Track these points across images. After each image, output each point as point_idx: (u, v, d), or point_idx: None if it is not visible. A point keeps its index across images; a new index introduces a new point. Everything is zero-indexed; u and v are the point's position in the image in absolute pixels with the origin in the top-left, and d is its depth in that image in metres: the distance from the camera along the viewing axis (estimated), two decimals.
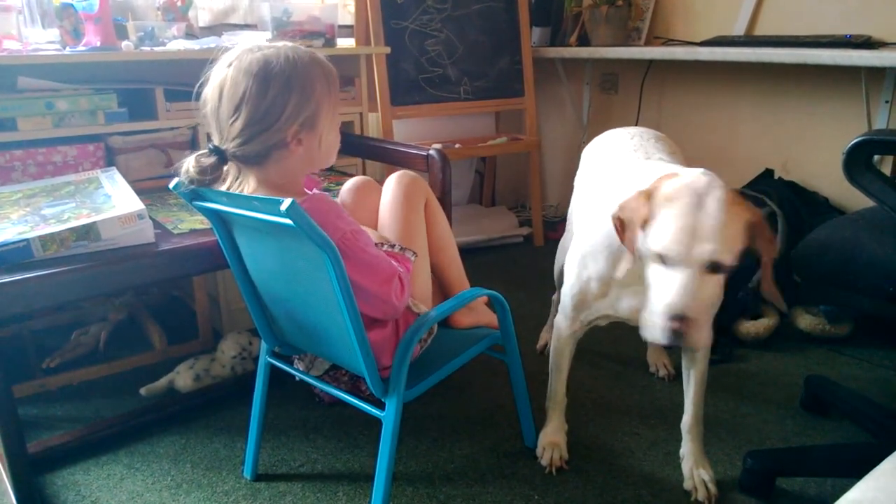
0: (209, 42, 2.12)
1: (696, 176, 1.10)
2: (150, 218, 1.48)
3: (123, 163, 1.96)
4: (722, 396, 1.79)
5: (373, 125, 2.62)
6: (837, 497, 0.56)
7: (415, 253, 1.44)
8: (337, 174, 2.27)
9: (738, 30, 2.53)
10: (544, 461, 1.52)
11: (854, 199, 2.22)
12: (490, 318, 1.54)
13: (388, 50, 2.54)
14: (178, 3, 2.25)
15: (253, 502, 1.43)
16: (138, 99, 2.03)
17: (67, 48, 1.91)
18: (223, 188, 1.22)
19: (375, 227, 1.55)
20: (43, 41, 2.00)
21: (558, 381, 1.55)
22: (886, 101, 2.12)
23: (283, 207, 0.98)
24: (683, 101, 2.81)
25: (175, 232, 1.56)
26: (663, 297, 1.08)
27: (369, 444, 1.61)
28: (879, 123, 2.16)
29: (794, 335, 2.11)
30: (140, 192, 1.57)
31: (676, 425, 1.65)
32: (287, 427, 1.69)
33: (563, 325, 1.48)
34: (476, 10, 2.79)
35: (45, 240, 1.32)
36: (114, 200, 1.50)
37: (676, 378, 1.86)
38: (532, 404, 1.57)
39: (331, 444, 1.62)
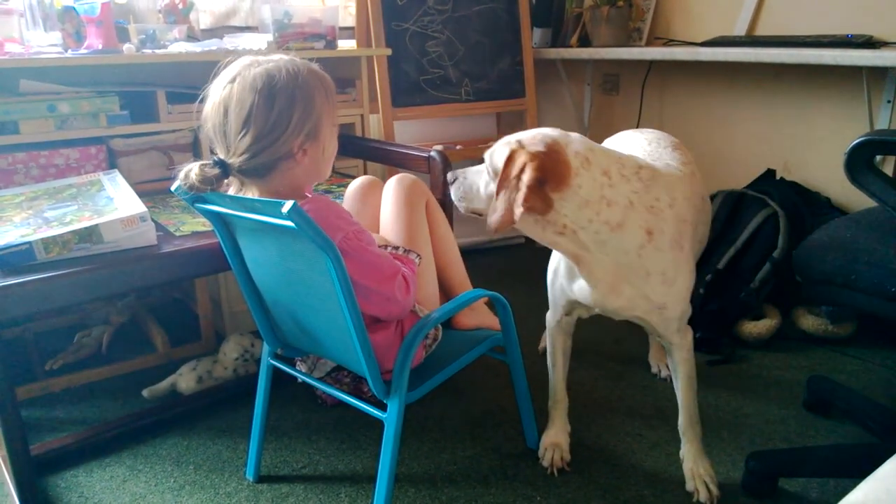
0: (210, 45, 2.12)
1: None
2: (153, 220, 1.48)
3: (125, 165, 1.96)
4: (724, 397, 1.79)
5: (374, 127, 2.62)
6: (840, 498, 0.56)
7: (419, 255, 1.44)
8: (338, 176, 2.28)
9: (739, 30, 2.53)
10: (545, 462, 1.53)
11: (856, 199, 2.22)
12: (492, 319, 1.54)
13: (388, 51, 2.55)
14: (180, 6, 2.25)
15: None
16: (140, 101, 2.03)
17: (69, 51, 1.91)
18: None
19: (379, 225, 1.55)
20: (45, 44, 2.01)
21: (555, 378, 1.57)
22: (888, 101, 2.12)
23: (285, 210, 0.99)
24: (685, 102, 2.81)
25: (177, 234, 1.56)
26: None
27: (371, 446, 1.61)
28: (881, 123, 2.16)
29: (797, 336, 2.11)
30: (142, 195, 1.57)
31: (678, 426, 1.65)
32: (289, 429, 1.69)
33: (549, 317, 1.54)
34: (477, 12, 2.79)
35: (48, 242, 1.32)
36: (116, 203, 1.51)
37: None
38: (534, 405, 1.57)
39: (333, 446, 1.62)
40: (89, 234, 1.36)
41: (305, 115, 1.17)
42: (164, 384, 1.81)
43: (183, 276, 1.62)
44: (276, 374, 1.47)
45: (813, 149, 2.41)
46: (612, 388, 1.84)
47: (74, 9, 1.91)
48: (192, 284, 2.09)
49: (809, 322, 2.08)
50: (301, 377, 1.44)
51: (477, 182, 1.31)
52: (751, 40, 2.36)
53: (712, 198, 2.28)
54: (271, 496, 1.45)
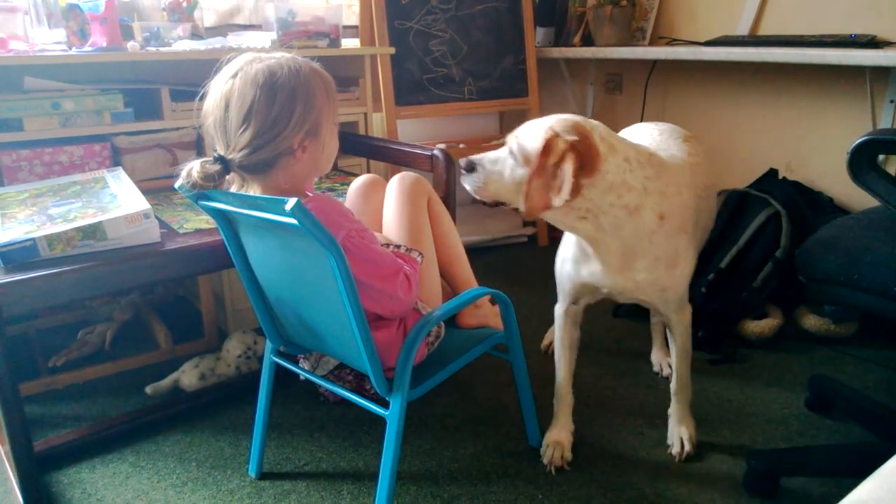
0: (214, 42, 2.13)
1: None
2: (156, 217, 1.49)
3: (129, 162, 1.97)
4: (726, 396, 1.79)
5: (377, 125, 2.63)
6: (842, 497, 0.56)
7: (421, 254, 1.44)
8: (342, 174, 2.28)
9: (742, 29, 2.53)
10: (545, 459, 1.53)
11: (858, 198, 2.21)
12: (495, 318, 1.55)
13: (392, 50, 2.55)
14: (184, 4, 2.26)
15: (257, 501, 1.43)
16: (144, 99, 2.04)
17: (73, 48, 1.92)
18: None
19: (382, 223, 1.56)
20: (49, 42, 2.01)
21: (561, 374, 1.58)
22: (891, 101, 2.12)
23: (288, 207, 0.99)
24: (688, 101, 2.81)
25: (180, 231, 1.57)
26: None
27: (374, 443, 1.61)
28: (884, 123, 2.15)
29: (799, 335, 2.11)
30: (146, 192, 1.58)
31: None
32: (292, 426, 1.69)
33: (557, 309, 1.56)
34: (480, 11, 2.79)
35: (52, 239, 1.33)
36: (120, 200, 1.51)
37: None
38: (536, 403, 1.57)
39: (335, 443, 1.62)
40: (93, 231, 1.37)
41: (306, 111, 1.17)
42: (166, 381, 1.81)
43: (186, 273, 1.62)
44: (278, 371, 1.47)
45: (816, 148, 2.40)
46: (614, 387, 1.84)
47: (79, 6, 1.91)
48: (196, 281, 2.09)
49: (812, 321, 2.08)
50: (304, 374, 1.45)
51: (500, 170, 1.29)
52: (754, 40, 2.36)
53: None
54: (273, 493, 1.45)
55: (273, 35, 2.19)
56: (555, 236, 3.10)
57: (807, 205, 2.22)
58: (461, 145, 2.77)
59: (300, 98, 1.17)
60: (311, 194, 1.27)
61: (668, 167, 1.33)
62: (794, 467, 1.46)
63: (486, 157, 1.32)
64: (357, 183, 1.65)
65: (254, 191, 1.23)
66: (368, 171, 2.44)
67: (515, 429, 1.65)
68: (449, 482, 1.48)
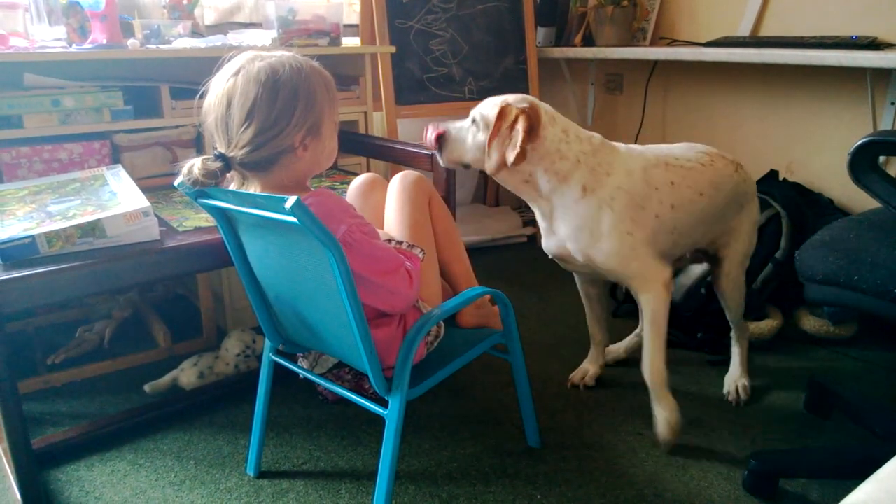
0: (215, 40, 2.13)
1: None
2: (155, 215, 1.48)
3: (129, 160, 1.97)
4: (726, 397, 1.79)
5: (377, 124, 2.62)
6: (841, 499, 0.56)
7: (423, 250, 1.44)
8: (342, 173, 2.28)
9: (744, 30, 2.52)
10: (571, 377, 1.84)
11: (859, 200, 2.21)
12: (495, 318, 1.54)
13: (393, 49, 2.55)
14: (184, 2, 2.25)
15: (256, 499, 1.43)
16: (144, 97, 2.03)
17: (74, 46, 1.92)
18: None
19: (382, 224, 1.56)
20: (49, 38, 2.01)
21: (588, 320, 1.84)
22: (892, 103, 2.12)
23: (288, 205, 0.99)
24: (688, 102, 2.80)
25: (180, 229, 1.56)
26: None
27: (372, 443, 1.61)
28: (885, 124, 2.15)
29: (799, 337, 2.11)
30: (145, 190, 1.57)
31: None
32: (290, 425, 1.69)
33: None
34: (481, 10, 2.79)
35: (51, 236, 1.32)
36: (119, 197, 1.51)
37: (682, 378, 1.86)
38: (535, 404, 1.57)
39: (334, 442, 1.62)
40: (92, 228, 1.36)
41: (308, 109, 1.18)
42: (165, 379, 1.81)
43: (185, 271, 1.62)
44: (277, 370, 1.47)
45: (816, 150, 2.40)
46: (613, 387, 1.84)
47: (79, 3, 1.91)
48: (195, 280, 2.09)
49: (811, 323, 2.08)
50: (302, 373, 1.44)
51: (463, 136, 1.52)
52: (755, 41, 2.36)
53: None
54: (272, 492, 1.45)
55: (273, 33, 2.19)
56: None
57: (807, 206, 2.21)
58: None
59: (302, 96, 1.17)
60: (311, 189, 1.27)
61: (611, 150, 1.51)
62: (794, 469, 1.46)
63: (451, 126, 1.54)
64: (357, 182, 1.65)
65: (254, 188, 1.23)
66: (368, 171, 2.43)
67: (514, 429, 1.65)
68: (447, 482, 1.48)
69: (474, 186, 3.31)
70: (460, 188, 3.13)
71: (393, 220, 1.51)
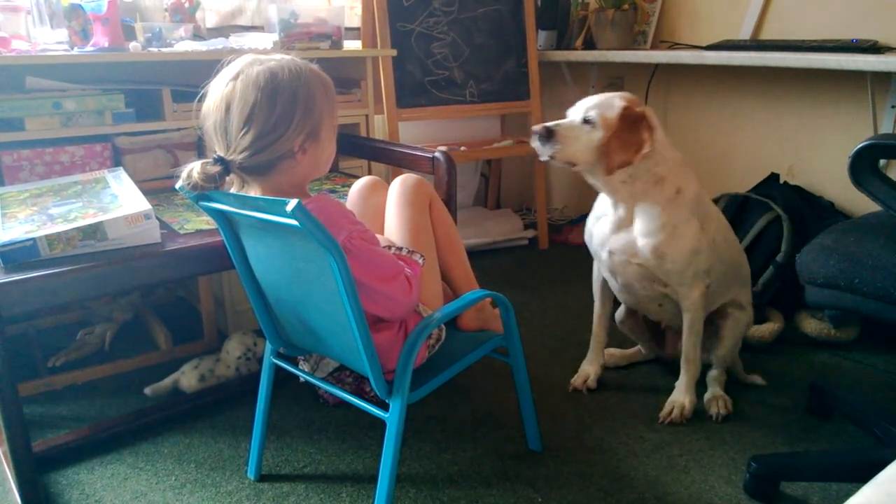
0: (216, 43, 2.13)
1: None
2: (157, 218, 1.48)
3: (130, 163, 1.97)
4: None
5: (379, 127, 2.63)
6: (842, 502, 0.56)
7: (423, 256, 1.44)
8: (343, 176, 2.28)
9: (744, 34, 2.53)
10: (571, 381, 1.84)
11: (860, 203, 2.21)
12: (496, 321, 1.54)
13: (394, 52, 2.55)
14: (186, 5, 2.26)
15: (256, 502, 1.43)
16: (145, 99, 2.04)
17: (75, 48, 1.92)
18: None
19: (383, 226, 1.56)
20: (51, 41, 2.01)
21: (595, 313, 1.85)
22: (893, 106, 2.12)
23: (289, 208, 0.99)
24: (689, 105, 2.81)
25: (181, 232, 1.57)
26: None
27: (373, 446, 1.61)
28: (885, 128, 2.16)
29: (799, 339, 2.11)
30: (146, 193, 1.58)
31: (681, 429, 1.66)
32: (291, 428, 1.69)
33: (594, 265, 1.81)
34: (482, 14, 2.79)
35: (52, 239, 1.33)
36: (120, 200, 1.51)
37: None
38: (535, 407, 1.57)
39: (335, 446, 1.62)
40: (94, 231, 1.37)
41: (307, 114, 1.17)
42: (166, 382, 1.81)
43: (186, 273, 1.62)
44: (278, 372, 1.47)
45: (817, 153, 2.41)
46: (615, 391, 1.84)
47: (81, 6, 1.91)
48: (196, 282, 2.09)
49: (812, 326, 2.08)
50: (303, 376, 1.44)
51: (576, 135, 1.55)
52: (756, 44, 2.36)
53: (716, 201, 2.28)
54: (272, 495, 1.45)
55: (275, 36, 2.19)
56: (555, 239, 3.10)
57: (808, 209, 2.21)
58: (462, 148, 2.77)
59: (301, 101, 1.17)
60: (310, 195, 1.27)
61: (688, 167, 1.61)
62: (795, 472, 1.46)
63: (562, 124, 1.57)
64: (358, 185, 1.65)
65: (253, 192, 1.23)
66: (369, 173, 2.44)
67: (515, 432, 1.65)
68: (448, 485, 1.48)
69: (475, 189, 3.31)
70: (461, 191, 3.13)
71: (393, 224, 1.51)
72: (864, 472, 0.65)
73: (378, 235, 1.45)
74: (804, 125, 2.43)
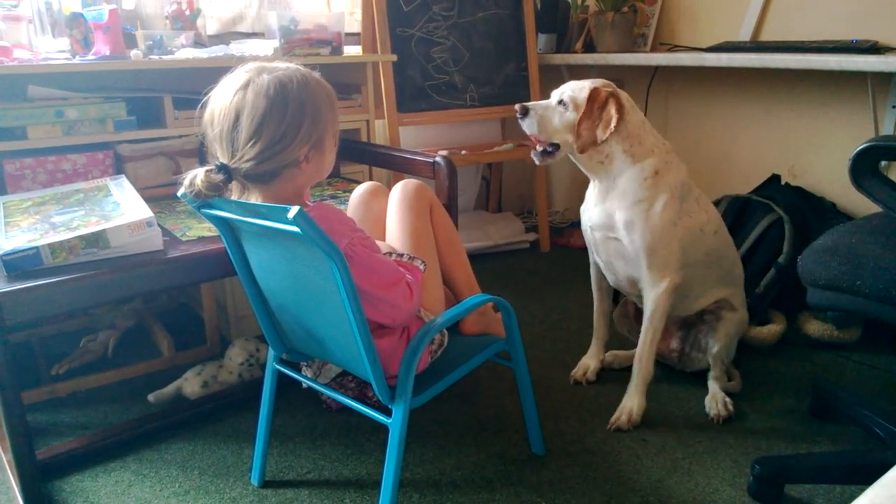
0: (217, 51, 2.14)
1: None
2: (159, 225, 1.49)
3: (132, 170, 1.97)
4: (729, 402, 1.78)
5: (379, 132, 2.63)
6: (846, 503, 0.56)
7: (424, 262, 1.44)
8: (344, 181, 2.28)
9: (744, 35, 2.53)
10: (572, 373, 1.90)
11: (861, 204, 2.21)
12: (498, 325, 1.55)
13: (394, 57, 2.55)
14: (187, 12, 2.27)
15: None
16: (147, 107, 2.04)
17: (77, 57, 1.93)
18: None
19: (384, 231, 1.56)
20: (53, 50, 2.02)
21: (595, 310, 1.91)
22: (893, 107, 2.12)
23: (291, 215, 0.99)
24: (689, 107, 2.81)
25: (183, 239, 1.57)
26: None
27: (376, 451, 1.61)
28: (886, 129, 2.15)
29: (802, 341, 2.10)
30: (149, 200, 1.58)
31: (684, 432, 1.66)
32: (294, 434, 1.69)
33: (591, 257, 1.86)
34: (482, 18, 2.80)
35: (55, 247, 1.33)
36: (122, 208, 1.52)
37: (684, 382, 1.86)
38: (538, 411, 1.57)
39: (338, 451, 1.62)
40: (96, 239, 1.37)
41: (313, 124, 1.18)
42: (169, 389, 1.81)
43: (189, 281, 1.62)
44: (281, 378, 1.47)
45: (818, 154, 2.40)
46: (618, 394, 1.84)
47: (82, 15, 1.92)
48: (198, 289, 2.10)
49: (815, 327, 2.08)
50: (306, 382, 1.44)
51: (550, 115, 1.65)
52: (756, 46, 2.36)
53: (717, 203, 2.28)
54: (276, 501, 1.45)
55: (276, 43, 2.20)
56: (556, 242, 3.10)
57: (809, 210, 2.21)
58: (463, 152, 2.77)
59: (308, 111, 1.17)
60: (310, 203, 1.27)
61: (679, 160, 1.67)
62: (799, 474, 1.45)
63: (538, 104, 1.67)
64: (359, 190, 1.65)
65: (254, 198, 1.23)
66: (370, 179, 2.44)
67: (518, 436, 1.65)
68: (452, 490, 1.48)
69: (476, 193, 3.31)
70: (462, 194, 3.13)
71: (394, 229, 1.51)
72: (868, 474, 0.65)
73: (379, 241, 1.45)
74: (805, 126, 2.43)
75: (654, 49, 2.83)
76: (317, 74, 1.23)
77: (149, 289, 1.47)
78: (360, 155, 2.28)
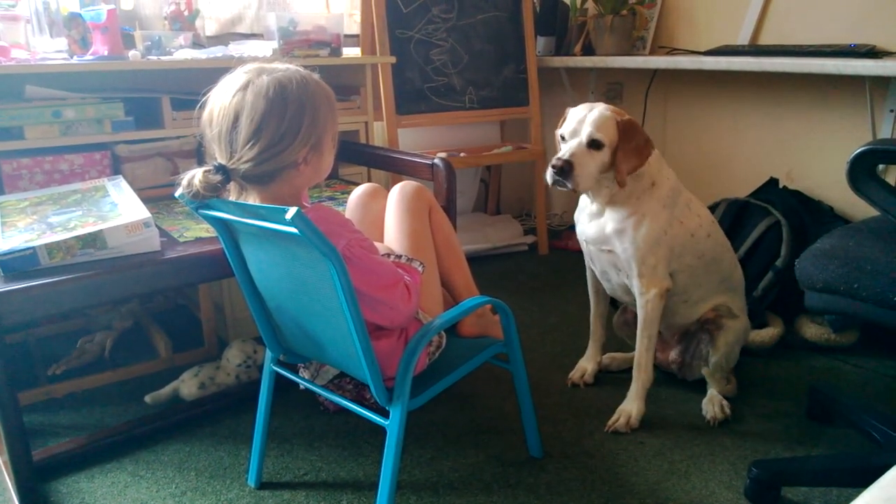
0: (216, 51, 2.14)
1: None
2: (156, 226, 1.49)
3: (130, 171, 1.97)
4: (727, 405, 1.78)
5: (378, 134, 2.63)
6: None
7: (422, 264, 1.44)
8: (342, 183, 2.28)
9: (743, 39, 2.53)
10: (570, 376, 1.91)
11: (859, 207, 2.21)
12: (496, 327, 1.54)
13: (393, 59, 2.56)
14: (185, 13, 2.27)
15: None
16: (145, 108, 2.04)
17: (75, 57, 1.93)
18: None
19: (383, 233, 1.56)
20: (51, 50, 2.02)
21: (591, 314, 1.92)
22: (891, 111, 2.13)
23: (289, 216, 0.99)
24: (688, 110, 2.81)
25: (181, 240, 1.57)
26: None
27: (373, 453, 1.61)
28: (884, 133, 2.16)
29: (799, 344, 2.11)
30: (146, 201, 1.58)
31: (681, 434, 1.65)
32: (291, 435, 1.69)
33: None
34: (481, 20, 2.80)
35: (52, 248, 1.33)
36: (120, 208, 1.51)
37: (682, 385, 1.86)
38: (536, 413, 1.57)
39: (335, 453, 1.62)
40: (93, 239, 1.37)
41: (313, 126, 1.18)
42: (166, 390, 1.81)
43: (186, 282, 1.62)
44: (278, 380, 1.47)
45: (816, 158, 2.41)
46: (615, 397, 1.84)
47: (80, 15, 1.92)
48: (196, 290, 2.09)
49: (812, 331, 2.08)
50: (304, 384, 1.44)
51: (587, 164, 1.57)
52: (754, 49, 2.37)
53: (715, 206, 2.29)
54: (273, 503, 1.45)
55: (274, 44, 2.20)
56: (554, 245, 3.10)
57: (807, 214, 2.21)
58: (462, 154, 2.77)
59: (308, 113, 1.17)
60: (307, 204, 1.27)
61: (668, 170, 1.68)
62: (796, 477, 1.45)
63: (574, 154, 1.56)
64: (358, 192, 1.65)
65: (252, 199, 1.23)
66: (369, 180, 2.44)
67: (516, 438, 1.64)
68: (449, 492, 1.47)
69: (475, 195, 3.31)
70: (461, 197, 3.13)
71: (393, 231, 1.51)
72: (865, 477, 0.65)
73: (377, 243, 1.45)
74: (803, 130, 2.43)
75: (652, 52, 2.84)
76: (316, 76, 1.23)
77: (146, 290, 1.46)
78: (359, 156, 2.28)
